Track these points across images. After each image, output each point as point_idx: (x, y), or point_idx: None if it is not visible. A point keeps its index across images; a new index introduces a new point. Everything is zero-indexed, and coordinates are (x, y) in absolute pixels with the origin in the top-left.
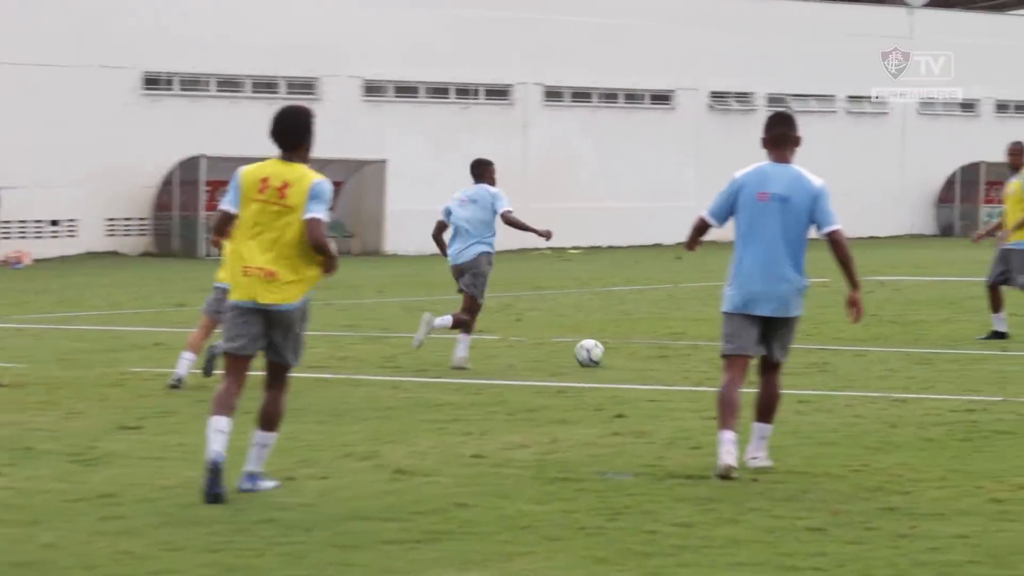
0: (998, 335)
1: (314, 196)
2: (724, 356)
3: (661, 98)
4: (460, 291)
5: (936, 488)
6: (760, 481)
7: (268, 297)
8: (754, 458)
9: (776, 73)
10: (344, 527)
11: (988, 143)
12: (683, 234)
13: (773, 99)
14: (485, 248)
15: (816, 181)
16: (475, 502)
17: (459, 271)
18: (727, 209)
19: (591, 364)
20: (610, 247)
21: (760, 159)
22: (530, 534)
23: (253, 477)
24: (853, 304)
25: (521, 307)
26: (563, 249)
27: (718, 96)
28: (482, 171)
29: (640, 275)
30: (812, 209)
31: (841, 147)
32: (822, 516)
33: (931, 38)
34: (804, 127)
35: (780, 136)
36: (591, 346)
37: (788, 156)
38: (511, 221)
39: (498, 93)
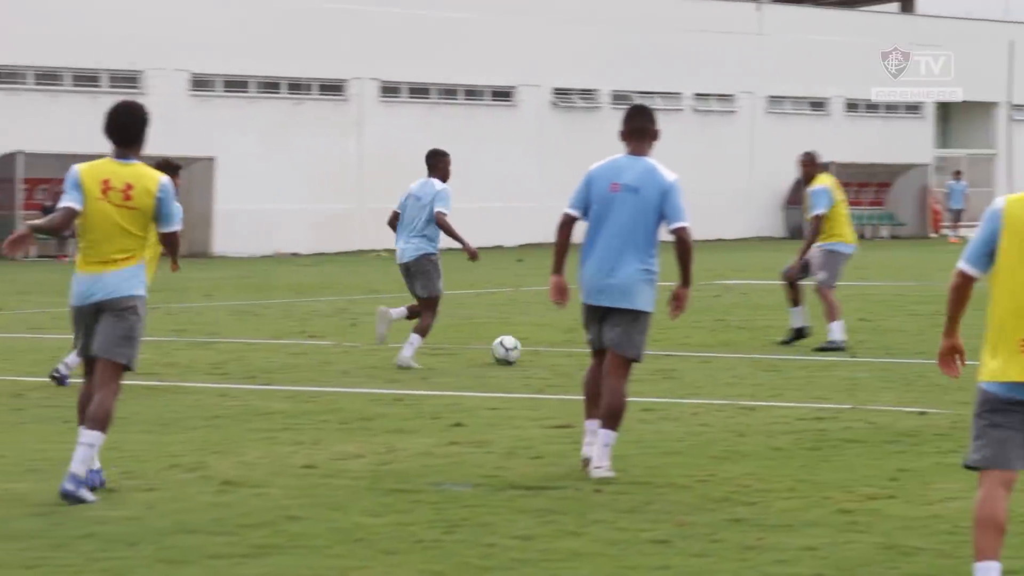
0: (799, 333)
1: (170, 203)
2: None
3: (502, 95)
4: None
5: (784, 499)
6: (603, 492)
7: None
8: (597, 468)
9: (621, 70)
10: (169, 541)
11: (838, 143)
12: (526, 235)
13: (618, 96)
14: (426, 249)
15: (669, 176)
16: (306, 515)
17: (404, 270)
18: (585, 200)
19: (505, 363)
20: (449, 249)
21: (604, 156)
22: (364, 548)
23: (77, 481)
24: (677, 298)
25: (356, 311)
26: None
27: (561, 93)
28: (435, 163)
29: (481, 278)
30: (661, 203)
31: (687, 146)
32: (666, 528)
33: (780, 35)
34: None
35: (638, 129)
36: (511, 345)
37: (645, 149)
38: (442, 225)
39: (332, 88)
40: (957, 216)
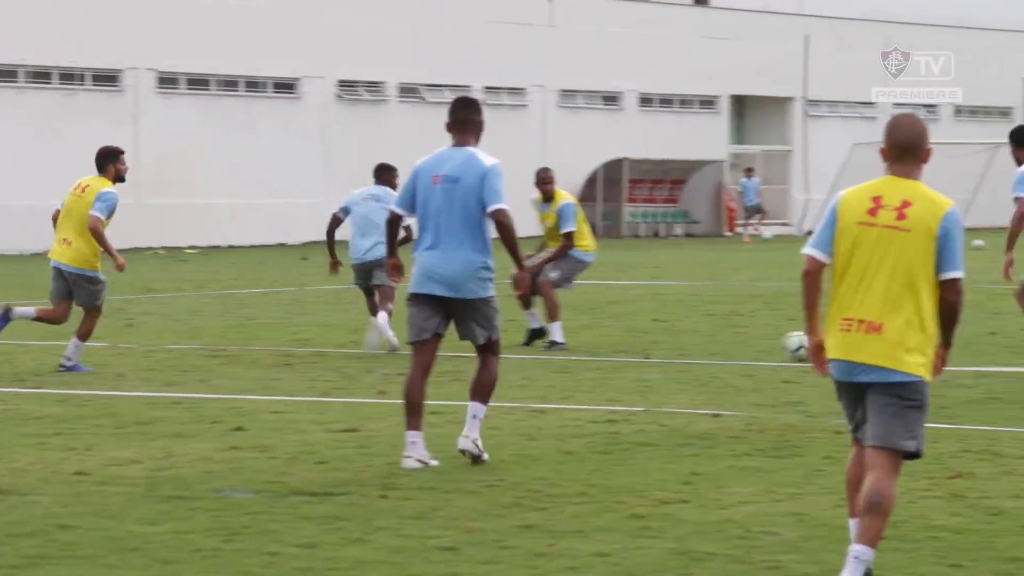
0: (536, 333)
1: None
2: (409, 343)
3: (285, 86)
4: (364, 288)
5: (575, 504)
6: (389, 498)
7: None
8: (465, 437)
9: (409, 62)
10: None
11: (632, 138)
12: (310, 232)
13: (405, 89)
14: None
15: (487, 160)
16: (79, 523)
17: (364, 270)
18: (410, 197)
19: (795, 357)
20: (230, 247)
21: (390, 150)
22: (140, 557)
23: None
24: (516, 280)
25: (133, 311)
26: (179, 248)
27: (347, 85)
28: (385, 176)
29: (263, 277)
30: (481, 188)
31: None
32: (454, 535)
33: (572, 28)
34: (438, 119)
35: (461, 121)
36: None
37: (469, 140)
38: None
39: (106, 78)
40: (751, 214)
